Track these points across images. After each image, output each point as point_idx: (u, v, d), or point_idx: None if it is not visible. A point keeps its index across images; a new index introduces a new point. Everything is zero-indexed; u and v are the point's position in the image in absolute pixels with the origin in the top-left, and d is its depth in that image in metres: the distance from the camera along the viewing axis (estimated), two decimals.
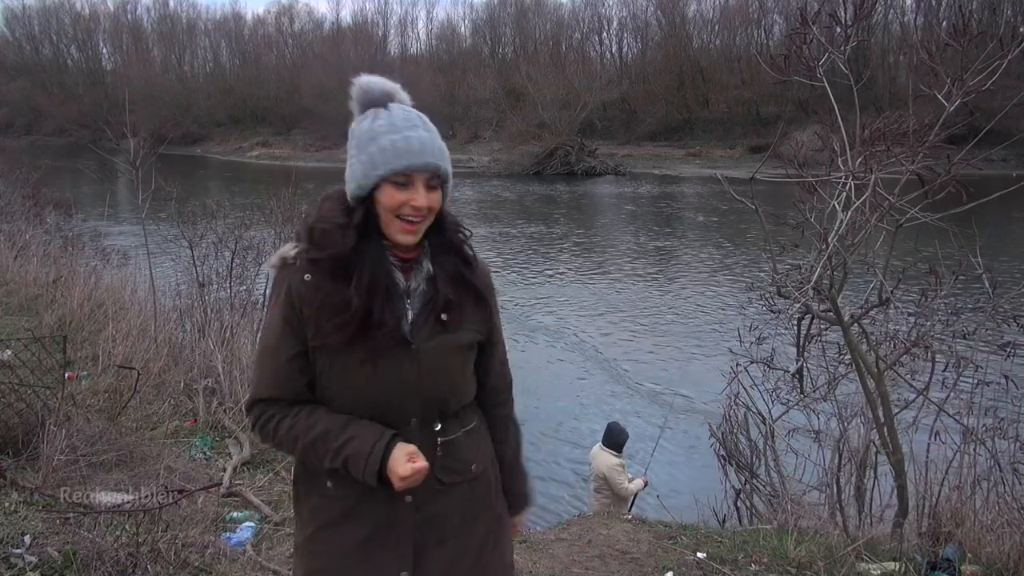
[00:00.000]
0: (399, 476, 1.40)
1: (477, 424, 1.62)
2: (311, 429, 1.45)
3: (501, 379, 1.70)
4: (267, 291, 1.56)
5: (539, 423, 8.37)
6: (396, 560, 1.50)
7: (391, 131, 1.42)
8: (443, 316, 1.49)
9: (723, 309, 13.05)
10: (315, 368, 1.47)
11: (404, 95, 1.50)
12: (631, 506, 5.67)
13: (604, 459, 5.74)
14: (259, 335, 1.47)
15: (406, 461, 1.41)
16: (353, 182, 1.44)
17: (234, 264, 7.59)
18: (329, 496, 1.50)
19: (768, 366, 4.54)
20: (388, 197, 1.42)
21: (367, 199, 1.44)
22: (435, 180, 1.45)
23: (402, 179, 1.41)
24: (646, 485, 5.85)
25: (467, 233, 1.57)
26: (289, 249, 1.47)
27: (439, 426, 1.52)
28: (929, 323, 4.13)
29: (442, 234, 1.51)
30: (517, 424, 1.77)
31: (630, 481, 5.74)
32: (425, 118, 1.48)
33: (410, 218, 1.43)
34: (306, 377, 1.48)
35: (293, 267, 1.45)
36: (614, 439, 5.81)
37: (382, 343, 1.43)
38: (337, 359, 1.45)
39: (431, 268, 1.50)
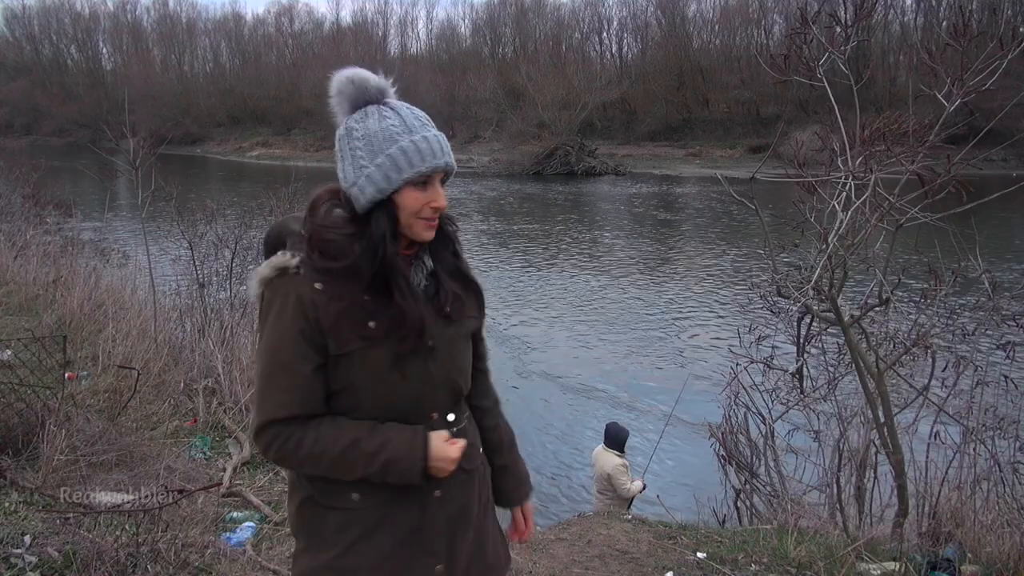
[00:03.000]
0: (452, 458, 1.43)
1: (469, 411, 1.66)
2: (338, 440, 1.40)
3: (486, 364, 1.73)
4: (262, 303, 1.48)
5: (538, 423, 8.37)
6: (432, 556, 1.50)
7: (408, 131, 1.41)
8: (447, 309, 1.50)
9: (723, 309, 13.05)
10: (332, 379, 1.43)
11: (391, 89, 1.48)
12: (629, 506, 5.67)
13: (607, 459, 5.74)
14: (260, 352, 1.43)
15: (448, 444, 1.44)
16: (371, 186, 1.40)
17: (234, 264, 7.59)
18: (357, 509, 1.46)
19: (768, 366, 4.54)
20: (412, 200, 1.41)
21: (385, 202, 1.42)
22: (445, 177, 1.47)
23: (423, 179, 1.41)
24: (644, 488, 5.86)
25: (457, 225, 1.59)
26: (286, 259, 1.40)
27: (452, 416, 1.54)
28: (929, 323, 4.13)
29: (441, 229, 1.52)
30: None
31: (632, 482, 5.75)
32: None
33: (429, 217, 1.44)
34: (324, 390, 1.44)
35: (297, 277, 1.39)
36: (615, 438, 5.81)
37: (410, 346, 1.43)
38: (363, 366, 1.42)
39: (431, 263, 1.51)
